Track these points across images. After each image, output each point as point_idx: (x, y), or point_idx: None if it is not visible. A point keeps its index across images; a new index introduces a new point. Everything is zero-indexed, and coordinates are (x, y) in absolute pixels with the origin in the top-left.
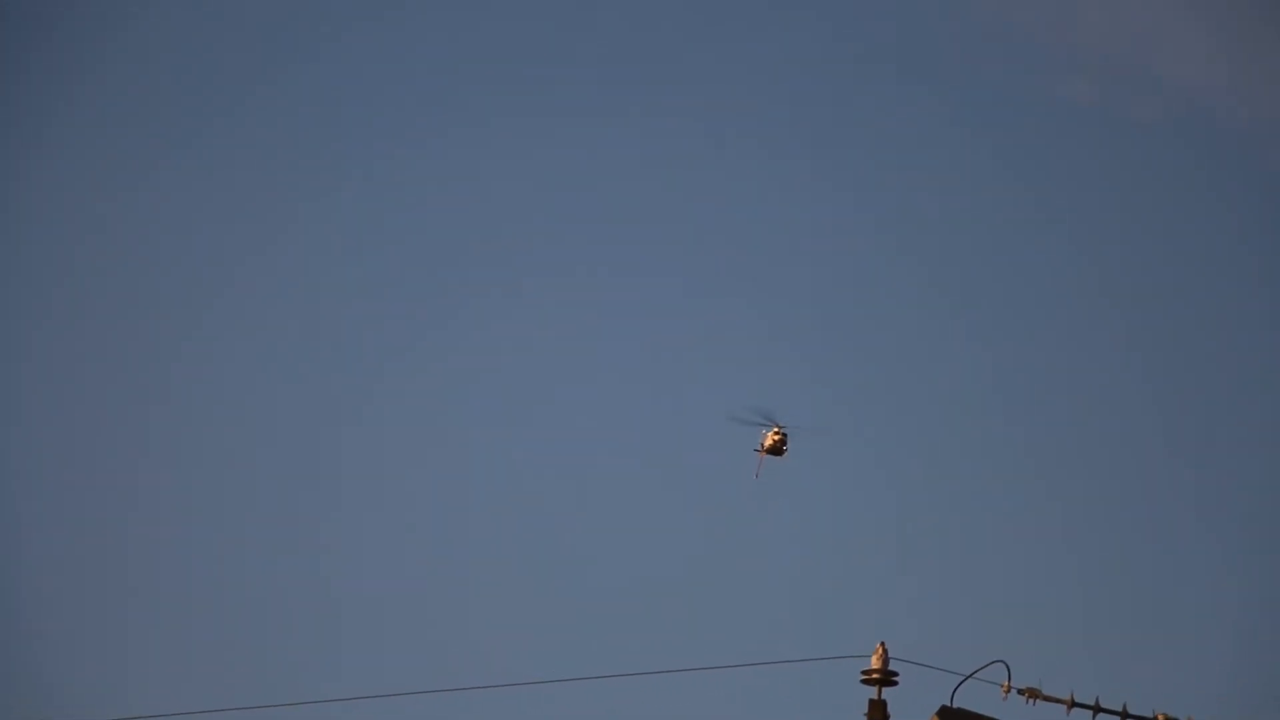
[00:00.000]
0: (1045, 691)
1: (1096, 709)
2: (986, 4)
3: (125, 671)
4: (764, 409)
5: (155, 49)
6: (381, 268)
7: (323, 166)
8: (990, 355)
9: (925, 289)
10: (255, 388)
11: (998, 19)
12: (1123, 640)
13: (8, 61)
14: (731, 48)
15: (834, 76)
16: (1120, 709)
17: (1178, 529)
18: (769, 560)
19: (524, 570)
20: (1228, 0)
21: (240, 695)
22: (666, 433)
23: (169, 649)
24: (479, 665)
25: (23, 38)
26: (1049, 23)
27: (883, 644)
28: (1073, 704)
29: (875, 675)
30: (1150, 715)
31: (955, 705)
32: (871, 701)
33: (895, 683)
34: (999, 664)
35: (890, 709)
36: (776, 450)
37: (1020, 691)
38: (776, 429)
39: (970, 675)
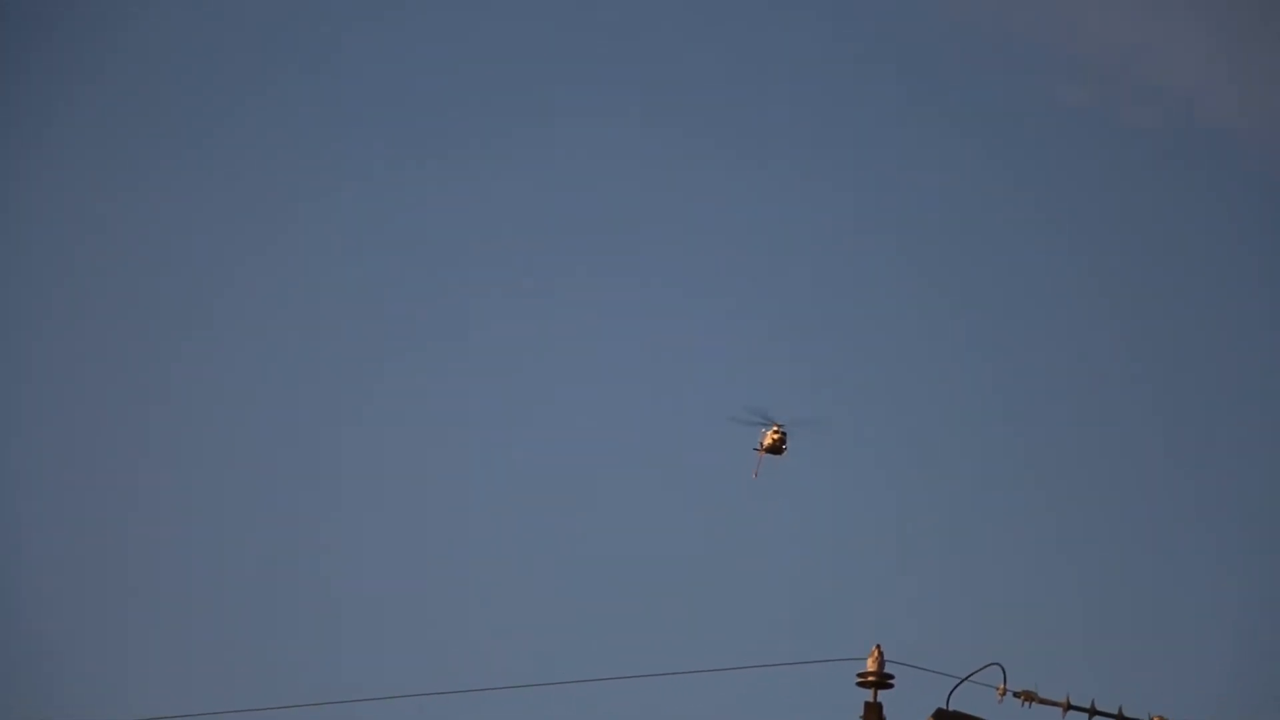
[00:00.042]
0: (1041, 694)
1: (1092, 712)
2: (985, 8)
3: (126, 672)
4: (762, 408)
5: (157, 50)
6: (381, 269)
7: (323, 167)
8: (987, 357)
9: (924, 290)
10: (256, 388)
11: (996, 23)
12: (1119, 643)
13: (9, 62)
14: (731, 50)
15: (833, 78)
16: (1116, 711)
17: (1174, 531)
18: (766, 562)
19: (523, 570)
20: (1223, 6)
21: (241, 696)
22: (666, 433)
23: (169, 649)
24: (478, 665)
25: (23, 38)
26: (1046, 27)
27: (879, 646)
28: (1068, 707)
29: (871, 678)
30: (1146, 718)
31: (951, 708)
32: (867, 704)
33: (891, 685)
34: (995, 667)
35: (886, 711)
36: (776, 449)
37: (1016, 694)
38: (776, 428)
39: (966, 678)
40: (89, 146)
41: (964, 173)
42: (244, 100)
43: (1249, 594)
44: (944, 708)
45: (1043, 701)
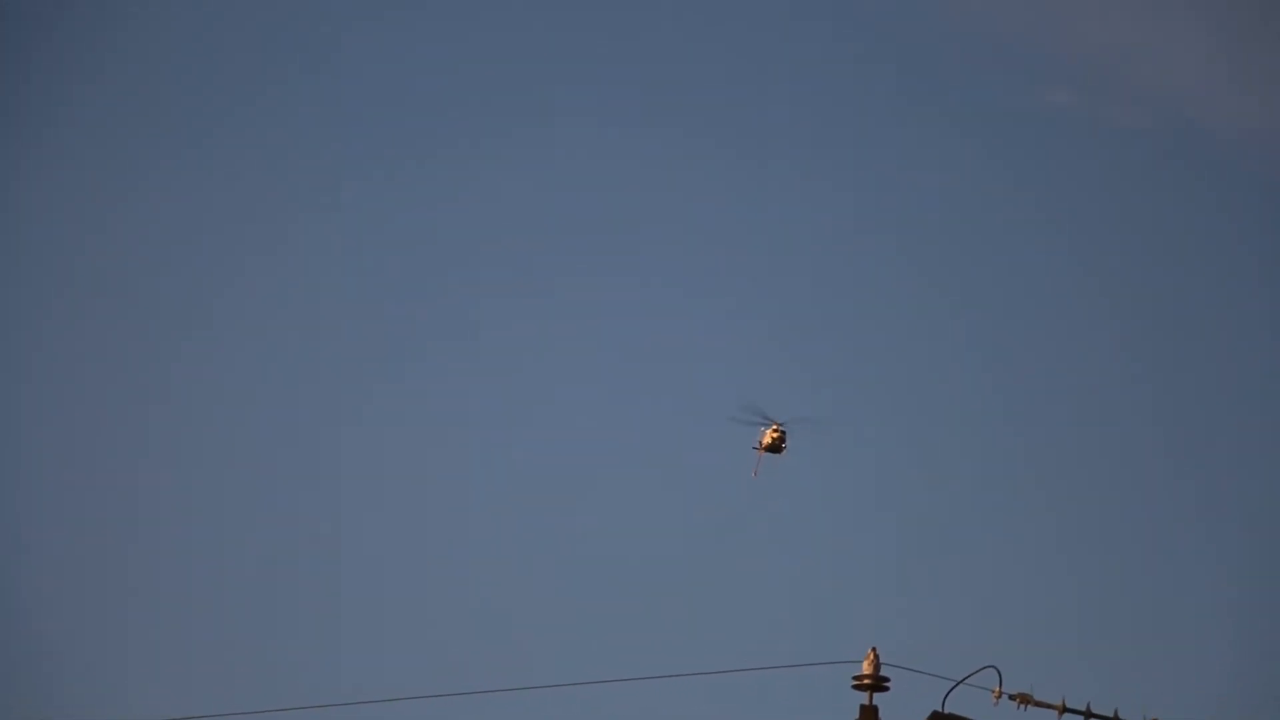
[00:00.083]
0: (1037, 697)
1: (1088, 715)
2: (983, 10)
3: (126, 672)
4: (757, 407)
5: (157, 50)
6: (380, 269)
7: (322, 168)
8: (985, 358)
9: (923, 291)
10: (255, 388)
11: (993, 24)
12: (1116, 645)
13: (9, 62)
14: (731, 50)
15: (832, 78)
16: (1112, 714)
17: (1171, 533)
18: (762, 563)
19: (523, 570)
20: (1218, 8)
21: (241, 696)
22: (666, 432)
23: (170, 650)
24: (477, 665)
25: (24, 39)
26: (1043, 29)
27: (874, 649)
28: (1064, 709)
29: (867, 680)
30: None
31: (947, 711)
32: (863, 707)
33: (887, 688)
34: (990, 669)
35: (882, 714)
36: (775, 448)
37: (1012, 697)
38: (775, 427)
39: (962, 680)
40: (89, 147)
41: (963, 173)
42: (243, 100)
43: (1247, 596)
44: (939, 710)
45: (1038, 704)
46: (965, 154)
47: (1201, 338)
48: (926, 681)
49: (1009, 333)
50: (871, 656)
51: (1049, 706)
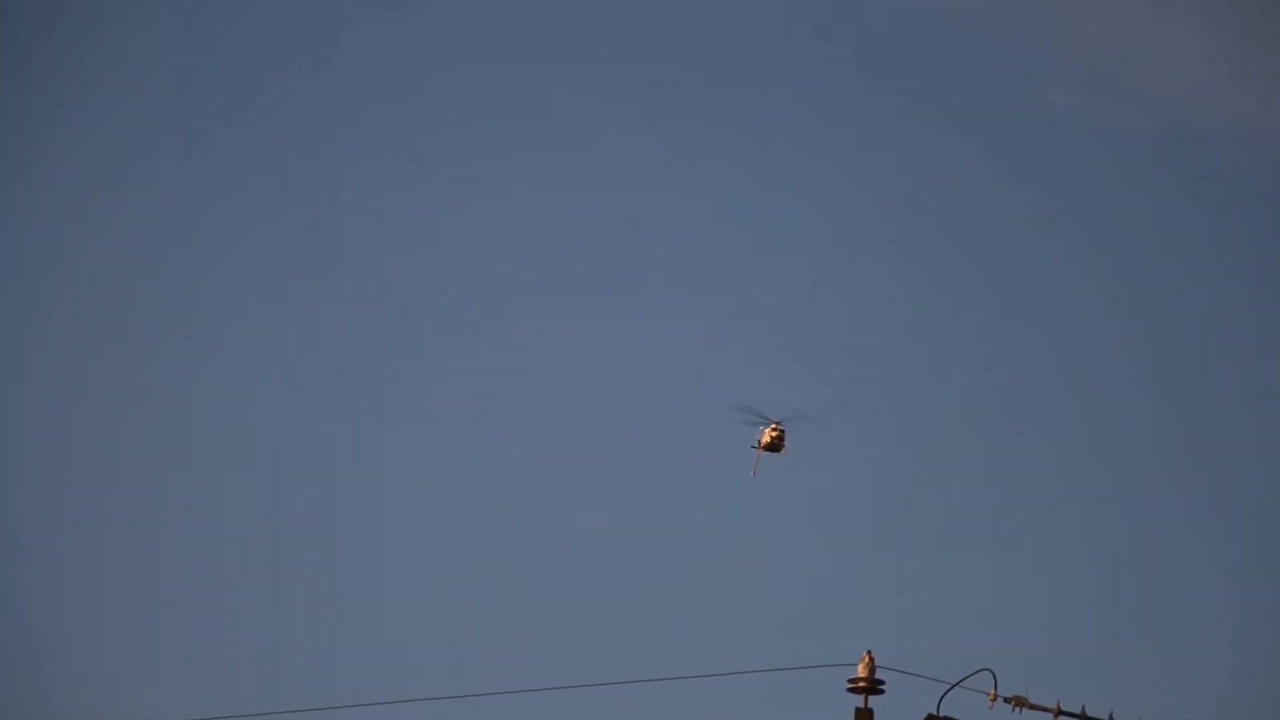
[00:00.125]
0: (1032, 700)
1: (1082, 717)
2: (982, 11)
3: (127, 673)
4: (755, 407)
5: (158, 51)
6: (380, 271)
7: (324, 169)
8: (983, 360)
9: (923, 291)
10: (256, 389)
11: (993, 25)
12: (1111, 648)
13: (9, 63)
14: (729, 53)
15: (832, 78)
16: (1107, 717)
17: (1168, 536)
18: (758, 566)
19: (523, 570)
20: (1215, 10)
21: (242, 697)
22: (666, 433)
23: (170, 650)
24: (476, 665)
25: (24, 40)
26: (1041, 31)
27: (869, 652)
28: (1059, 712)
29: (862, 683)
30: None
31: (942, 713)
32: (858, 710)
33: (882, 691)
34: (985, 672)
35: (877, 717)
36: (774, 447)
37: (1007, 700)
38: (774, 426)
39: (957, 683)
40: (89, 147)
41: (963, 174)
42: (244, 101)
43: (1244, 598)
44: (935, 713)
45: (1033, 707)
46: (965, 154)
47: (1200, 339)
48: (922, 684)
49: (1006, 334)
50: (867, 659)
51: (1044, 709)
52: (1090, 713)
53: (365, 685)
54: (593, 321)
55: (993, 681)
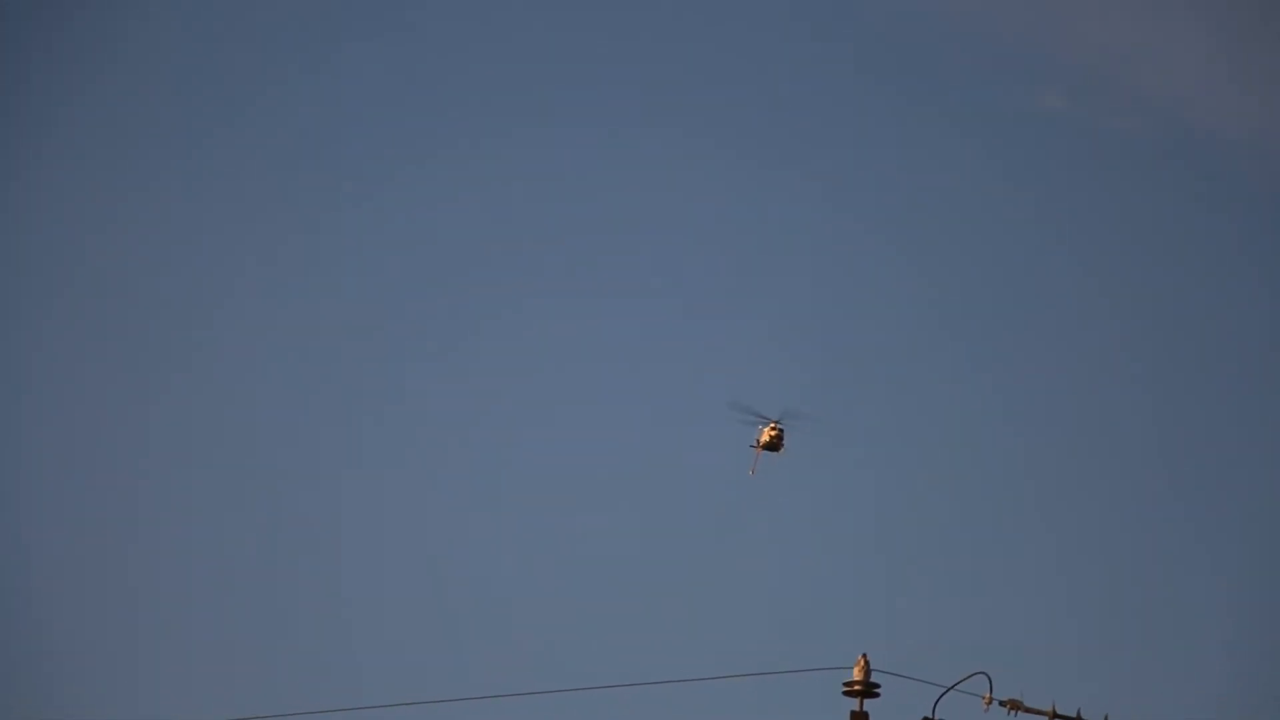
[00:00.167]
0: (1027, 703)
1: None
2: (981, 13)
3: (128, 673)
4: (754, 406)
5: (159, 52)
6: (379, 272)
7: (326, 170)
8: (980, 364)
9: (922, 293)
10: (257, 390)
11: (992, 27)
12: (1107, 651)
13: (10, 65)
14: (729, 54)
15: (832, 78)
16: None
17: (1162, 538)
18: (754, 569)
19: (523, 571)
20: (1213, 13)
21: (242, 698)
22: (663, 434)
23: (171, 651)
24: (474, 664)
25: (25, 41)
26: (1040, 34)
27: (864, 656)
28: (1054, 715)
29: (857, 686)
30: None
31: (937, 717)
32: (854, 713)
33: (877, 694)
34: (981, 675)
35: None
36: (773, 446)
37: (1002, 703)
38: (773, 425)
39: (952, 687)
40: (90, 148)
41: (962, 174)
42: (243, 101)
43: (1241, 602)
44: (930, 716)
45: (1028, 710)
46: (965, 155)
47: (1199, 340)
48: (917, 688)
49: (1004, 336)
50: (862, 663)
51: (1039, 713)
52: (1086, 715)
53: (365, 685)
54: (592, 322)
55: (988, 684)
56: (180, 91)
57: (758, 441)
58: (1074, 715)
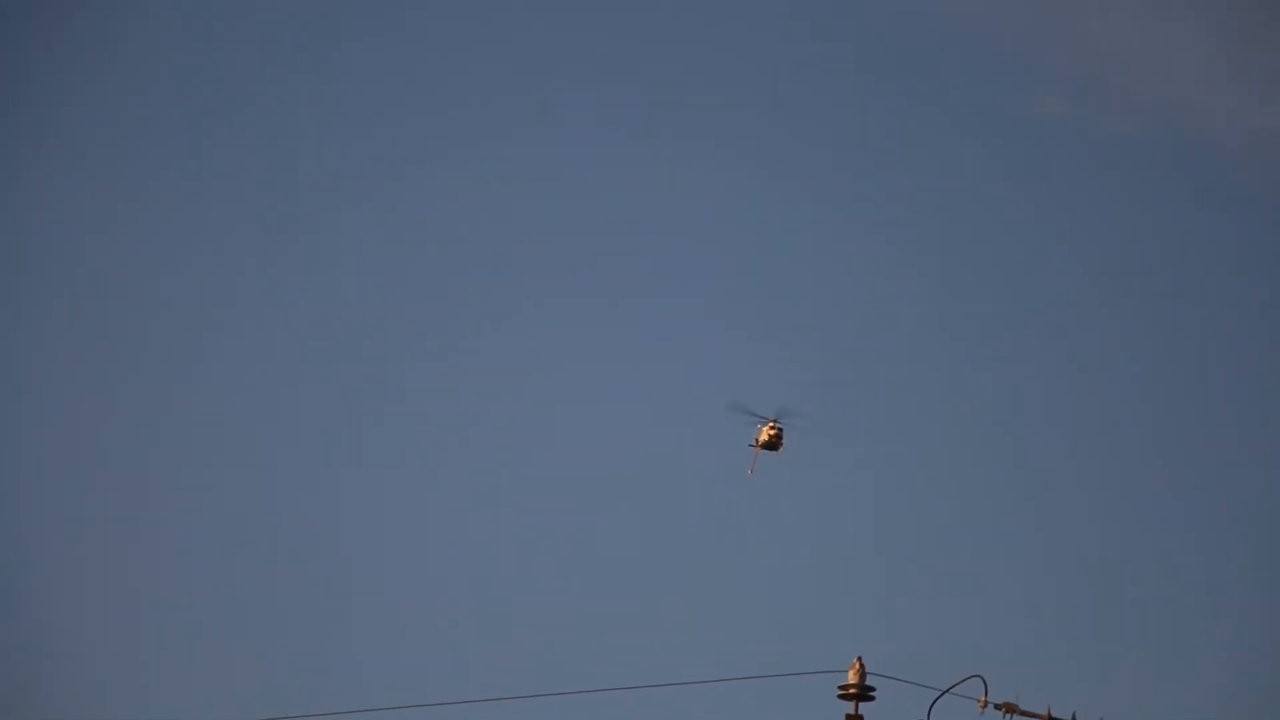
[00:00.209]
0: (1022, 706)
1: None
2: (980, 17)
3: (129, 674)
4: (750, 405)
5: (161, 54)
6: (379, 273)
7: (327, 171)
8: (977, 368)
9: (920, 295)
10: (258, 391)
11: (990, 30)
12: (1102, 654)
13: (12, 66)
14: (729, 55)
15: (832, 79)
16: None
17: (1160, 542)
18: (751, 570)
19: (522, 571)
20: (1211, 17)
21: (243, 699)
22: (663, 434)
23: (173, 651)
24: (475, 664)
25: (25, 41)
26: (1038, 38)
27: (860, 659)
28: (1049, 718)
29: (852, 690)
30: None
31: None
32: (848, 716)
33: (872, 697)
34: (976, 679)
35: None
36: (772, 445)
37: (997, 706)
38: (772, 424)
39: (947, 690)
40: (91, 148)
41: (961, 177)
42: (244, 102)
43: (1237, 605)
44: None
45: (1023, 713)
46: (965, 157)
47: (1196, 341)
48: (912, 691)
49: (1003, 336)
50: (857, 666)
51: (1034, 716)
52: (1081, 718)
53: (365, 685)
54: (592, 322)
55: (983, 688)
56: (180, 91)
57: (756, 441)
58: (1069, 718)
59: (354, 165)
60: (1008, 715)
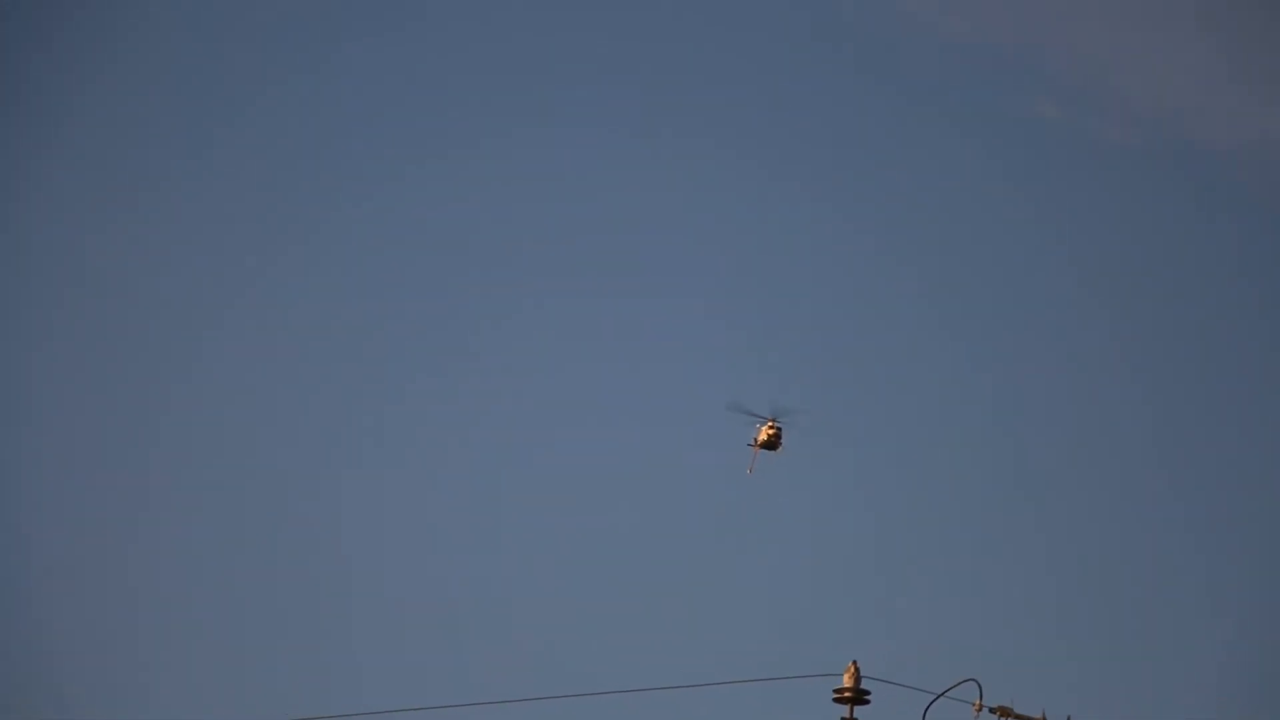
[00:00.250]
0: (1017, 710)
1: None
2: (978, 21)
3: (129, 674)
4: (748, 405)
5: (161, 54)
6: (383, 272)
7: (328, 172)
8: (978, 364)
9: (920, 297)
10: (261, 391)
11: (988, 34)
12: (1099, 657)
13: (11, 65)
14: (729, 57)
15: (832, 80)
16: None
17: (1156, 544)
18: (750, 571)
19: (522, 571)
20: (1201, 26)
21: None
22: (663, 435)
23: (173, 651)
24: (474, 664)
25: (25, 41)
26: (1037, 42)
27: (855, 663)
28: None
29: (847, 693)
30: None
31: None
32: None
33: (867, 701)
34: (970, 682)
35: None
36: (771, 445)
37: (992, 710)
38: (771, 423)
39: (942, 694)
40: (92, 148)
41: (960, 178)
42: (245, 102)
43: (1237, 607)
44: None
45: (1019, 717)
46: (964, 159)
47: (1194, 342)
48: (907, 694)
49: (1003, 337)
50: (852, 669)
51: (1029, 719)
52: None
53: (365, 685)
54: (592, 322)
55: (978, 691)
56: (181, 91)
57: (755, 440)
58: None
59: (354, 165)
60: (1003, 719)
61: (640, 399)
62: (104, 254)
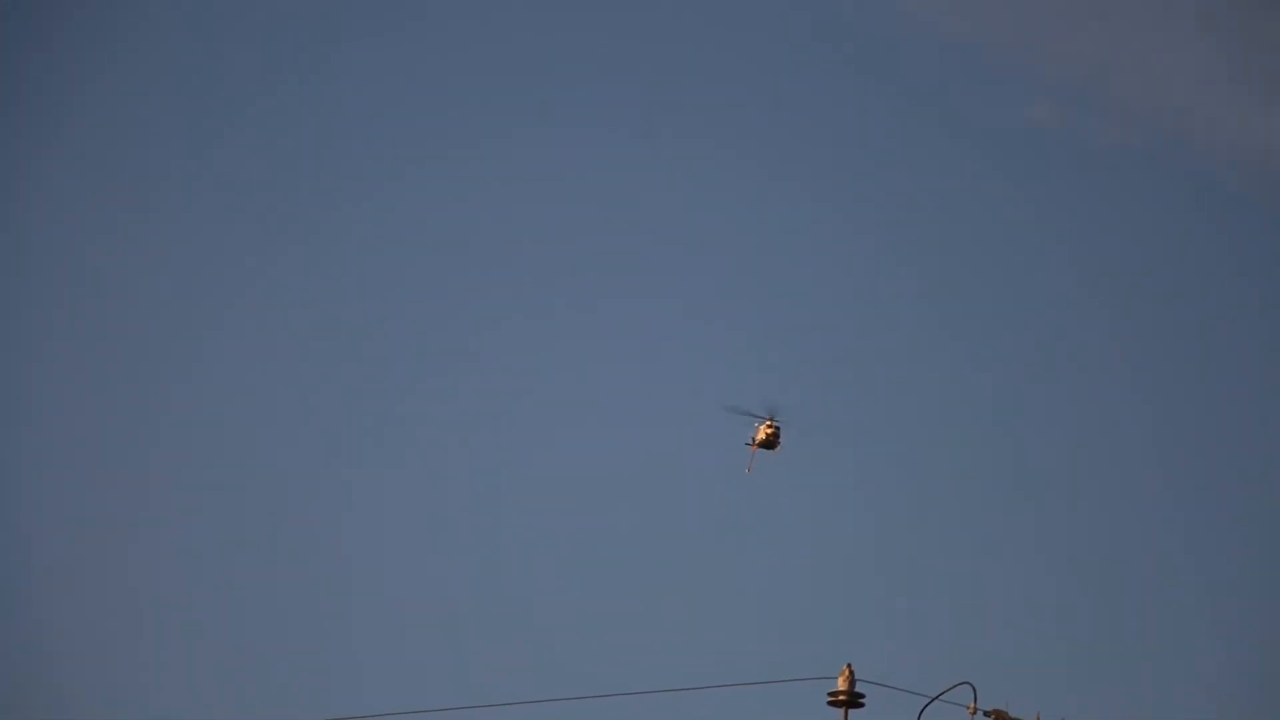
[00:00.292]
0: (1011, 713)
1: None
2: (977, 21)
3: (129, 674)
4: (745, 405)
5: (161, 55)
6: (383, 272)
7: (328, 172)
8: (977, 365)
9: (919, 298)
10: (261, 391)
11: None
12: (1097, 659)
13: (11, 65)
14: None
15: (831, 80)
16: None
17: (1155, 546)
18: (748, 571)
19: (521, 572)
20: (1197, 29)
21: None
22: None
23: (174, 652)
24: (474, 663)
25: (25, 41)
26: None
27: (849, 666)
28: None
29: (842, 697)
30: None
31: None
32: None
33: (862, 704)
34: (965, 686)
35: None
36: (770, 444)
37: (986, 714)
38: (769, 423)
39: (937, 697)
40: (92, 149)
41: (960, 179)
42: (245, 103)
43: (1236, 609)
44: None
45: None
46: (963, 160)
47: (1193, 343)
48: (902, 698)
49: (1002, 337)
50: (847, 673)
51: None
52: None
53: (365, 686)
54: (592, 323)
55: (972, 695)
56: (181, 92)
57: (754, 439)
58: None
59: (354, 165)
60: None
61: (640, 399)
62: (104, 254)
